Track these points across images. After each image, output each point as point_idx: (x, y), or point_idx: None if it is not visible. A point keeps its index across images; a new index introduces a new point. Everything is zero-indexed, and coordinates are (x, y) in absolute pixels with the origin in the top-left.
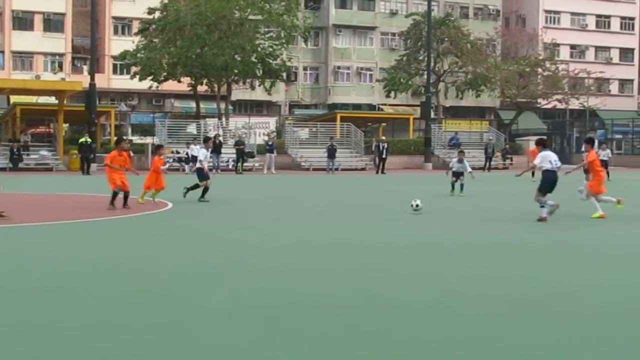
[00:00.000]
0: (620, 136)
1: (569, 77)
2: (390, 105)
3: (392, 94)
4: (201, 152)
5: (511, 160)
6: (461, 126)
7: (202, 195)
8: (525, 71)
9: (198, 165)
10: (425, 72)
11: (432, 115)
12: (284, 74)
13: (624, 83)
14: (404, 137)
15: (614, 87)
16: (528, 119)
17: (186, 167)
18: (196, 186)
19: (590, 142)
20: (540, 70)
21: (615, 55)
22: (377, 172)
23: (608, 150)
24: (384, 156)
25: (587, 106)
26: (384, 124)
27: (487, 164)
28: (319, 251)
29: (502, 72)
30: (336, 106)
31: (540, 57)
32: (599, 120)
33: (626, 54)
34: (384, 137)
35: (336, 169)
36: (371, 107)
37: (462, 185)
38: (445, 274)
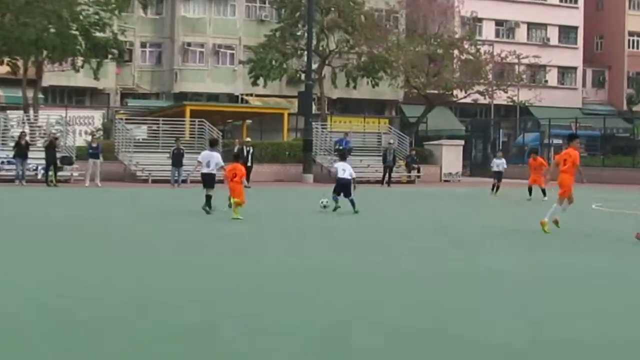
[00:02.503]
0: (560, 141)
1: (493, 63)
2: (258, 96)
3: (261, 80)
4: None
5: (418, 171)
6: (353, 125)
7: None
8: (437, 53)
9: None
10: (305, 53)
11: (314, 111)
12: (115, 51)
13: (564, 71)
14: (277, 139)
15: (553, 77)
16: (441, 117)
17: None
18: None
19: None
20: (456, 52)
21: (553, 34)
22: None
23: (503, 160)
24: (249, 164)
25: (517, 101)
26: (249, 122)
27: (387, 176)
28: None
29: (406, 55)
30: (185, 96)
31: (457, 36)
32: (533, 119)
33: (567, 33)
34: (249, 139)
35: (183, 181)
36: (232, 98)
37: (352, 202)
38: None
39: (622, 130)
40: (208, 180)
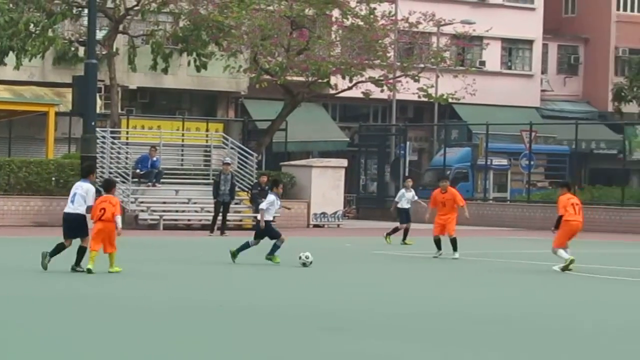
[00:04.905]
0: (504, 162)
1: (398, 33)
2: (4, 83)
3: (11, 57)
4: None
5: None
6: (163, 134)
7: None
8: (305, 15)
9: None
10: (86, 11)
11: (101, 109)
12: None
13: (512, 47)
14: (36, 156)
15: (493, 55)
16: (310, 121)
17: None
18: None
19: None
20: (336, 14)
21: None
22: None
23: (413, 192)
24: None
25: (435, 96)
26: None
27: (220, 215)
28: None
29: (253, 17)
30: None
31: None
32: (461, 125)
33: None
34: None
35: None
36: None
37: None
38: None
39: (606, 145)
40: (74, 225)
